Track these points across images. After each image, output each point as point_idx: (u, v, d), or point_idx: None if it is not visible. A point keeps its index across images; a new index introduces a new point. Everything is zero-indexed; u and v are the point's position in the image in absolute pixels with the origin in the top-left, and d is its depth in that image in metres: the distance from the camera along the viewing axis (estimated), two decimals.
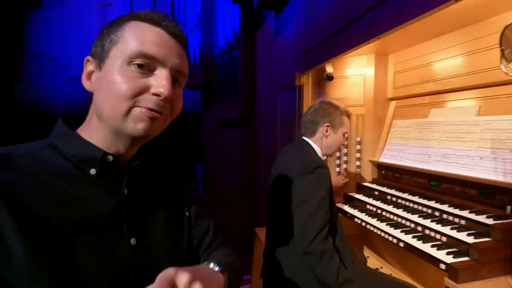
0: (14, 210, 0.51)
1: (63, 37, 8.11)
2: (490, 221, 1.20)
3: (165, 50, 0.61)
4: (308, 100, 2.23)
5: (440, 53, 1.69)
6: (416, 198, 1.59)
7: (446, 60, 1.65)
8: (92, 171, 0.61)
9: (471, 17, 1.41)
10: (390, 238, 1.46)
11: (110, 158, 0.62)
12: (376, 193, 1.91)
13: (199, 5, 5.08)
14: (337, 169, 2.24)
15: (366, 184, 2.03)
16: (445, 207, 1.41)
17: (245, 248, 3.23)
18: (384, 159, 2.02)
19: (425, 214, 1.49)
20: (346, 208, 1.91)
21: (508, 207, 1.23)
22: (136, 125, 0.59)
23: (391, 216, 1.62)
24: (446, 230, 1.29)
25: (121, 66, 0.59)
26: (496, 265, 1.12)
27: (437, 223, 1.36)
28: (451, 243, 1.25)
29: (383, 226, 1.55)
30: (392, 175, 1.96)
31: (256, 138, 3.70)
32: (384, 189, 1.85)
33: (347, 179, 2.11)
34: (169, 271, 0.48)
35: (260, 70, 3.59)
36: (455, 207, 1.39)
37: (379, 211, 1.73)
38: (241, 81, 3.89)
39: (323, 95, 2.25)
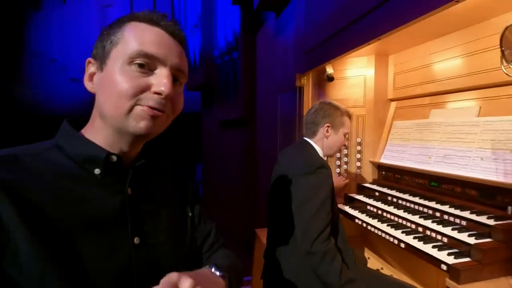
0: (20, 209, 0.52)
1: (63, 38, 8.11)
2: (491, 222, 1.20)
3: (164, 49, 0.62)
4: (309, 101, 2.23)
5: (440, 54, 1.69)
6: (416, 199, 1.59)
7: (447, 61, 1.66)
8: (96, 171, 0.62)
9: (471, 18, 1.42)
10: (391, 239, 1.46)
11: (114, 158, 0.63)
12: (377, 194, 1.91)
13: (199, 6, 5.09)
14: (338, 170, 2.24)
15: (367, 185, 2.03)
16: (446, 208, 1.41)
17: (245, 249, 3.22)
18: (384, 160, 2.02)
19: (426, 215, 1.48)
20: (347, 209, 1.91)
21: (509, 208, 1.23)
22: (138, 123, 0.60)
23: (392, 217, 1.62)
24: (447, 231, 1.29)
25: (122, 66, 0.60)
26: (497, 266, 1.12)
27: (438, 224, 1.35)
28: (452, 244, 1.25)
29: (384, 227, 1.55)
30: (393, 176, 1.96)
31: (256, 139, 3.70)
32: (385, 190, 1.85)
33: (347, 180, 2.11)
34: (172, 276, 0.49)
35: (260, 71, 3.59)
36: (456, 207, 1.39)
37: (379, 212, 1.73)
38: (241, 82, 3.89)
39: (324, 96, 2.25)
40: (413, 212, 1.54)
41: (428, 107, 1.83)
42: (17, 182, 0.53)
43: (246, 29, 3.79)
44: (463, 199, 1.45)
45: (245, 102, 3.86)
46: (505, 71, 1.28)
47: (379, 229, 1.56)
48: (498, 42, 1.29)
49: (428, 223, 1.39)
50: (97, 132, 0.64)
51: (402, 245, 1.39)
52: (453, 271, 1.10)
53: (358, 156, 2.17)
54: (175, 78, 0.65)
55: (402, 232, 1.44)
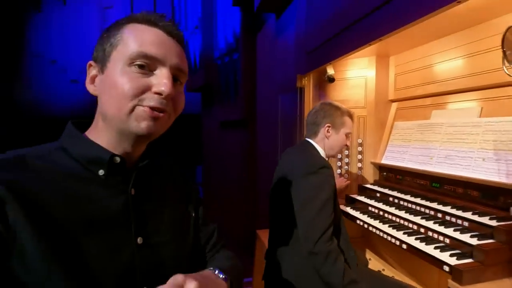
0: (26, 209, 0.53)
1: (63, 39, 8.13)
2: (493, 223, 1.19)
3: (164, 50, 0.63)
4: (309, 102, 2.23)
5: (441, 55, 1.69)
6: (418, 200, 1.59)
7: (448, 61, 1.66)
8: (101, 172, 0.63)
9: (473, 19, 1.42)
10: (393, 240, 1.46)
11: (118, 159, 0.64)
12: (378, 194, 1.91)
13: (199, 7, 5.10)
14: (339, 171, 2.24)
15: (368, 185, 2.03)
16: (447, 209, 1.40)
17: (245, 250, 3.22)
18: (385, 160, 2.01)
19: (427, 215, 1.48)
20: (348, 209, 1.90)
21: None
22: (139, 123, 0.61)
23: (393, 218, 1.62)
24: (449, 231, 1.28)
25: (123, 68, 0.61)
26: (500, 267, 1.11)
27: (440, 225, 1.35)
28: (454, 245, 1.24)
29: (385, 228, 1.55)
30: (394, 176, 1.96)
31: (256, 140, 3.70)
32: (386, 190, 1.84)
33: (348, 181, 2.11)
34: (178, 278, 0.50)
35: (261, 72, 3.59)
36: (458, 208, 1.38)
37: (381, 212, 1.72)
38: (241, 83, 3.90)
39: (324, 97, 2.25)
40: (415, 213, 1.54)
41: (429, 108, 1.83)
42: (23, 183, 0.54)
43: (246, 30, 3.80)
44: (465, 200, 1.44)
45: (245, 103, 3.86)
46: (506, 71, 1.28)
47: (380, 230, 1.56)
48: (499, 43, 1.29)
49: (430, 224, 1.39)
50: (100, 134, 0.65)
51: (404, 246, 1.38)
52: (456, 272, 1.09)
53: (359, 157, 2.16)
54: (175, 78, 0.66)
55: (404, 233, 1.44)
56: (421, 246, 1.30)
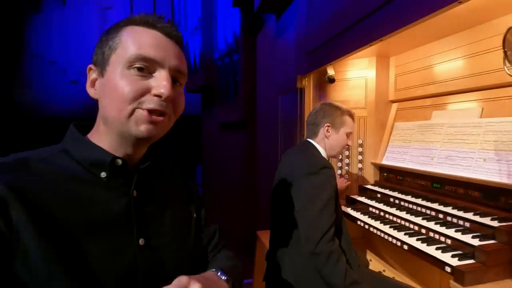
0: (29, 211, 0.53)
1: (63, 40, 8.12)
2: (495, 223, 1.19)
3: (162, 52, 0.63)
4: (310, 102, 2.23)
5: (442, 56, 1.69)
6: (419, 201, 1.59)
7: (448, 62, 1.66)
8: (103, 175, 0.63)
9: (473, 19, 1.42)
10: (394, 241, 1.46)
11: (119, 161, 0.64)
12: (379, 195, 1.91)
13: (199, 8, 5.10)
14: (339, 171, 2.24)
15: (368, 186, 2.03)
16: (449, 209, 1.40)
17: (245, 251, 3.21)
18: (386, 161, 2.01)
19: (428, 216, 1.48)
20: (349, 210, 1.90)
21: None
22: (139, 126, 0.61)
23: (394, 219, 1.61)
24: (451, 232, 1.28)
25: (122, 71, 0.61)
26: (502, 268, 1.11)
27: (441, 226, 1.35)
28: (455, 246, 1.24)
29: (386, 228, 1.55)
30: (395, 177, 1.95)
31: (256, 141, 3.70)
32: (387, 191, 1.84)
33: (349, 182, 2.10)
34: (182, 279, 0.51)
35: (261, 73, 3.59)
36: (459, 209, 1.38)
37: (382, 213, 1.72)
38: (241, 84, 3.90)
39: (325, 98, 2.25)
40: (416, 213, 1.54)
41: (429, 108, 1.83)
42: (26, 184, 0.55)
43: (246, 31, 3.80)
44: (466, 201, 1.44)
45: (245, 104, 3.86)
46: (508, 72, 1.28)
47: (381, 231, 1.56)
48: (500, 44, 1.29)
49: (431, 224, 1.38)
50: (102, 137, 0.66)
51: (405, 247, 1.38)
52: (458, 273, 1.09)
53: (360, 157, 2.16)
54: (174, 79, 0.66)
55: (405, 234, 1.43)
56: (423, 247, 1.29)
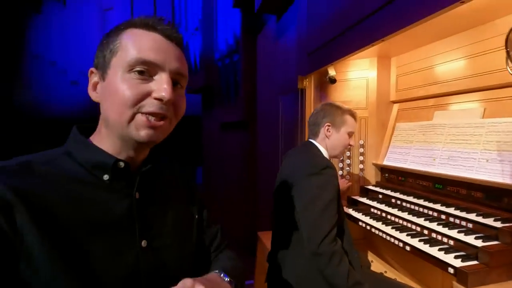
0: (32, 213, 0.53)
1: (63, 41, 8.12)
2: (498, 224, 1.18)
3: (163, 54, 0.63)
4: (310, 103, 2.23)
5: (443, 56, 1.69)
6: (421, 201, 1.58)
7: (450, 62, 1.65)
8: (105, 177, 0.64)
9: (475, 19, 1.41)
10: (396, 242, 1.45)
11: (122, 164, 0.65)
12: (380, 196, 1.90)
13: (200, 9, 5.11)
14: (340, 172, 2.23)
15: (370, 187, 2.02)
16: (451, 210, 1.39)
17: (245, 250, 3.21)
18: (387, 162, 2.01)
19: (431, 217, 1.47)
20: (350, 211, 1.89)
21: None
22: (139, 131, 0.62)
23: (396, 220, 1.61)
24: (453, 233, 1.27)
25: (123, 75, 0.61)
26: (505, 269, 1.11)
27: (443, 226, 1.34)
28: (458, 247, 1.24)
29: (388, 229, 1.54)
30: (396, 178, 1.95)
31: (257, 141, 3.69)
32: (388, 192, 1.83)
33: (350, 183, 2.10)
34: (187, 282, 0.52)
35: (261, 74, 3.59)
36: (462, 210, 1.37)
37: (383, 214, 1.71)
38: (242, 85, 3.89)
39: (326, 98, 2.25)
40: (418, 214, 1.53)
41: (431, 109, 1.82)
42: (29, 187, 0.55)
43: (247, 31, 3.80)
44: (469, 201, 1.43)
45: (246, 104, 3.86)
46: (510, 72, 1.27)
47: (383, 232, 1.55)
48: (502, 44, 1.29)
49: (433, 225, 1.38)
50: (104, 139, 0.66)
51: (408, 248, 1.37)
52: (461, 274, 1.08)
53: (361, 158, 2.16)
54: (175, 82, 0.66)
55: (407, 235, 1.43)
56: (425, 248, 1.29)
